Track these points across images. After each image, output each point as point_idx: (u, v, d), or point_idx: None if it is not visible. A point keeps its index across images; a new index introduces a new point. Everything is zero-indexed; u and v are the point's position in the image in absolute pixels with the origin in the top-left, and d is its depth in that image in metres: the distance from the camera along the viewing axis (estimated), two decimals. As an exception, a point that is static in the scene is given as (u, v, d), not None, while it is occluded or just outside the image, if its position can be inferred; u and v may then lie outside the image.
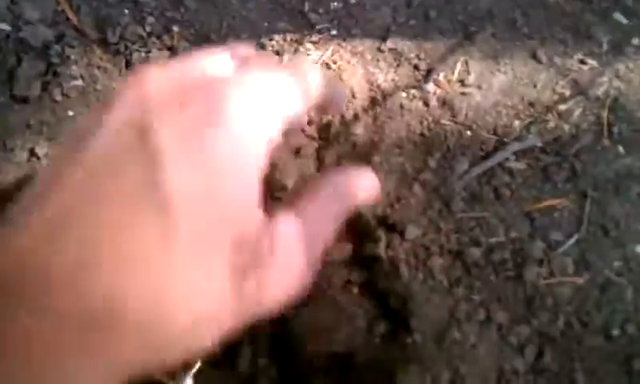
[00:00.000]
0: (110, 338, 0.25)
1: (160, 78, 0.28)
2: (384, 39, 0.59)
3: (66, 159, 0.27)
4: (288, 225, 0.30)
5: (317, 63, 0.57)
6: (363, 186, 0.34)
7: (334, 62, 0.57)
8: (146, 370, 0.27)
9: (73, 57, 0.54)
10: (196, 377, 0.48)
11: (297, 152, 0.55)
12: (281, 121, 0.30)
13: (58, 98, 0.53)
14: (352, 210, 0.33)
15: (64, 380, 0.24)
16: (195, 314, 0.26)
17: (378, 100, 0.56)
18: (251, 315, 0.29)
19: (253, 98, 0.28)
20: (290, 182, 0.54)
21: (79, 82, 0.53)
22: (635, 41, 0.61)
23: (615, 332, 0.49)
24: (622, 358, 0.48)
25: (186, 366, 0.48)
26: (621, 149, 0.56)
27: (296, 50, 0.57)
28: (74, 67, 0.53)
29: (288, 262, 0.31)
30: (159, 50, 0.55)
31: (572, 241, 0.52)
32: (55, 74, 0.53)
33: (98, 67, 0.54)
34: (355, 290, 0.51)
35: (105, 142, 0.27)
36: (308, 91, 0.32)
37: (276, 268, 0.30)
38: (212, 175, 0.26)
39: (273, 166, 0.55)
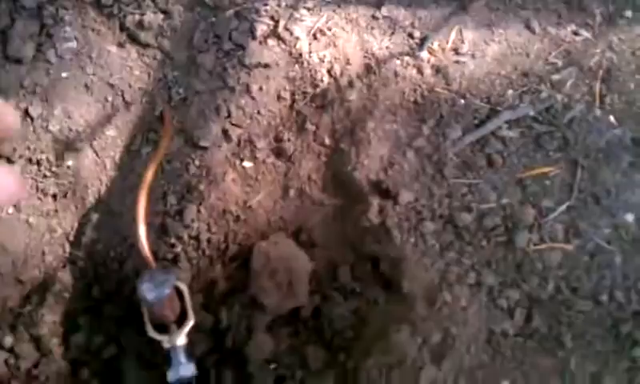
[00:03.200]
0: None
1: None
2: (378, 7, 0.59)
3: None
4: None
5: (311, 30, 0.57)
6: None
7: (329, 29, 0.57)
8: None
9: (67, 18, 0.53)
10: (189, 334, 0.48)
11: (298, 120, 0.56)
12: None
13: (53, 59, 0.53)
14: None
15: None
16: None
17: (372, 67, 0.56)
18: None
19: None
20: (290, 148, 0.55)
21: (73, 44, 0.53)
22: (628, 13, 0.61)
23: (603, 297, 0.50)
24: (610, 323, 0.49)
25: (181, 324, 0.48)
26: (612, 119, 0.56)
27: (290, 16, 0.56)
28: (67, 29, 0.53)
29: None
30: (153, 13, 0.55)
31: (562, 208, 0.52)
32: (49, 35, 0.53)
33: (92, 29, 0.54)
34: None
35: None
36: None
37: None
38: None
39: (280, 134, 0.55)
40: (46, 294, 0.51)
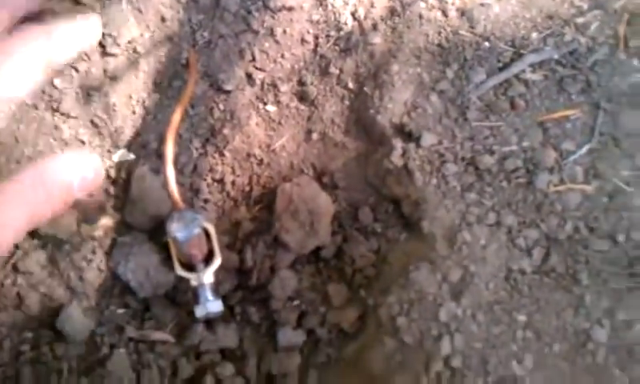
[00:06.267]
0: None
1: None
2: (403, -52, 0.58)
3: None
4: None
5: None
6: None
7: (353, -29, 0.57)
8: None
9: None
10: (215, 273, 0.50)
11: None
12: None
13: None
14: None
15: None
16: None
17: (396, 10, 0.56)
18: None
19: None
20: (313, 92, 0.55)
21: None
22: (657, -46, 0.60)
23: (620, 237, 0.51)
24: (626, 262, 0.50)
25: (207, 263, 0.50)
26: (636, 62, 0.56)
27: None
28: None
29: None
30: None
31: (583, 150, 0.53)
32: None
33: None
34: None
35: None
36: None
37: None
38: None
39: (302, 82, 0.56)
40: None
